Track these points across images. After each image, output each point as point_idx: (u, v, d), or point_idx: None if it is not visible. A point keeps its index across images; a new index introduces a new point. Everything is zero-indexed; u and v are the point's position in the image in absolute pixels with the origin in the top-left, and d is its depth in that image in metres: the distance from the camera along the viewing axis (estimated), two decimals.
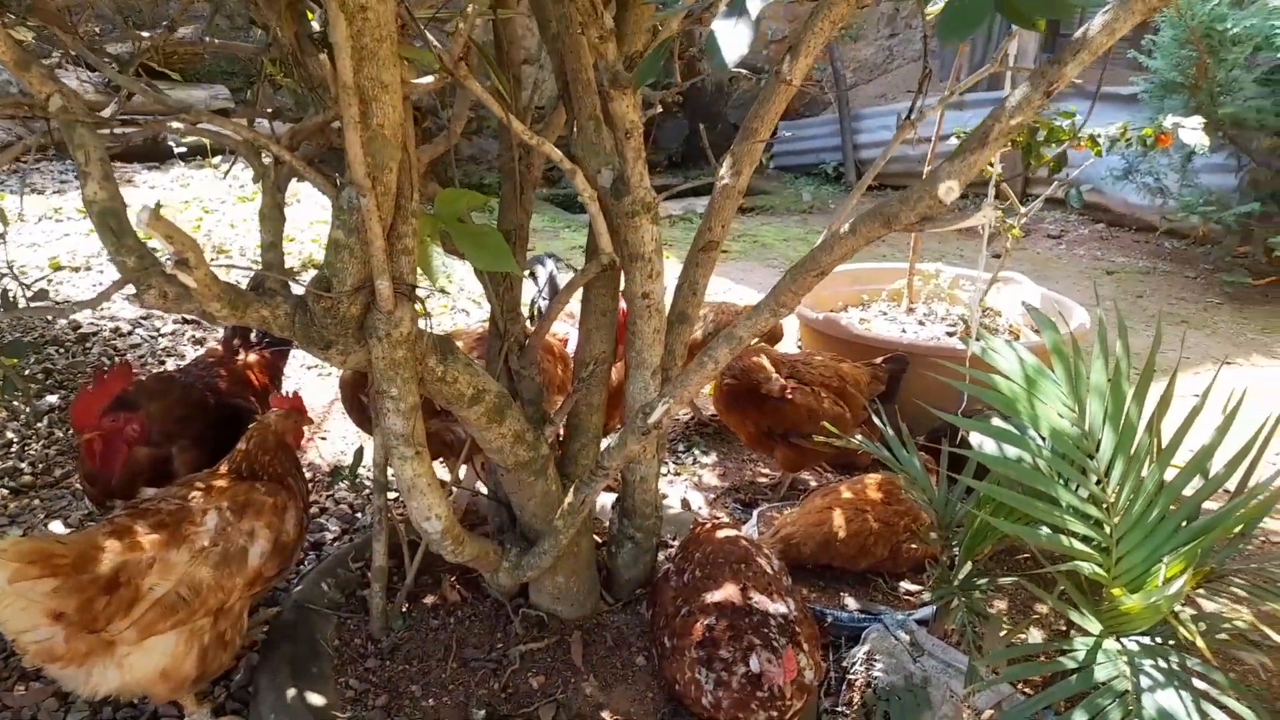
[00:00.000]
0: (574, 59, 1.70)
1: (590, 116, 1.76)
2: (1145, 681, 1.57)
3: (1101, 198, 7.19)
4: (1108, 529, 1.77)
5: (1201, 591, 1.83)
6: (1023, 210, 3.90)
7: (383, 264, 1.46)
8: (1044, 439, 1.76)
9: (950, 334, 4.02)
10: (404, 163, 1.53)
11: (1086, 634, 1.67)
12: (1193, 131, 3.24)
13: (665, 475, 3.32)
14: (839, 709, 2.14)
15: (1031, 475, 1.71)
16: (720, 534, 2.06)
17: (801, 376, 3.02)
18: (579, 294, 1.96)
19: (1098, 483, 1.76)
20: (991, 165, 3.77)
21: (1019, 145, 3.58)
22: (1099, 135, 3.44)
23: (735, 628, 1.79)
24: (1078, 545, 1.69)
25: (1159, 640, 1.73)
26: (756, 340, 2.67)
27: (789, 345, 4.25)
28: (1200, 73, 5.44)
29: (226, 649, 1.79)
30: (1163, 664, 1.60)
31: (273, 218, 1.61)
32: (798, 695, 1.77)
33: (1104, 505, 1.76)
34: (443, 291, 4.72)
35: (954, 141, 3.59)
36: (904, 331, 4.08)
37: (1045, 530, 1.67)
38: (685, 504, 3.13)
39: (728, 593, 1.86)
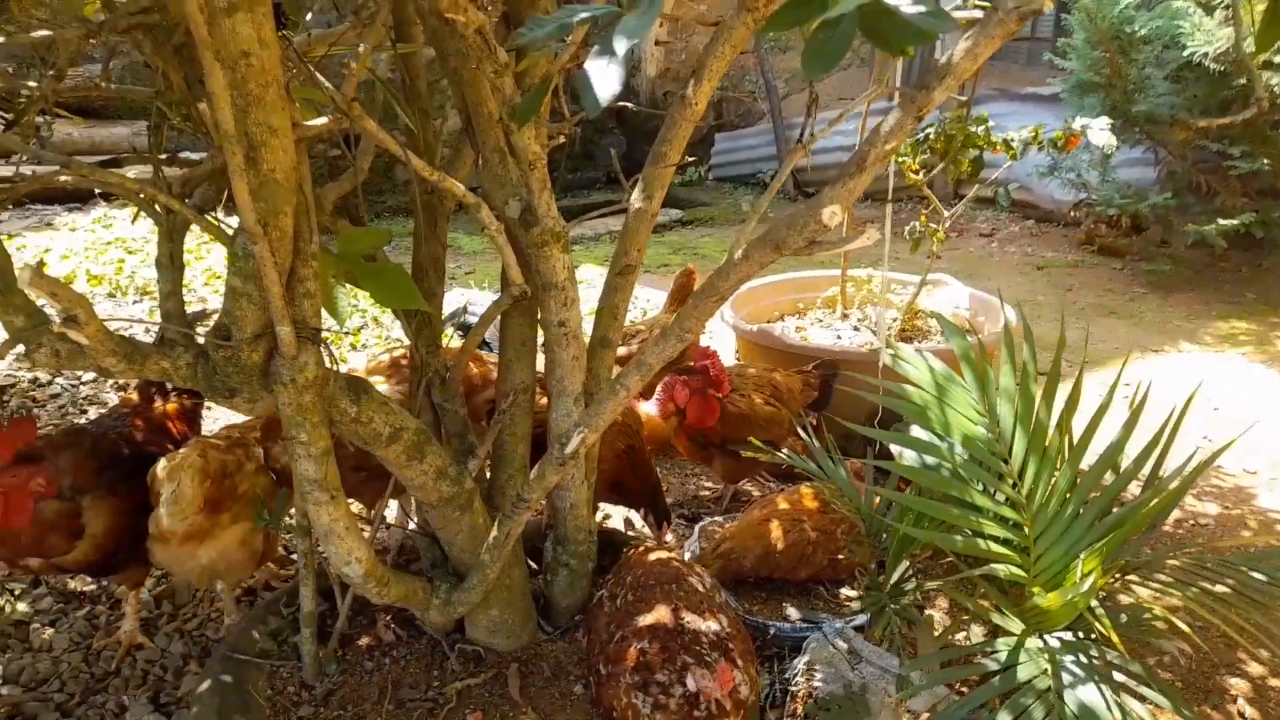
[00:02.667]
0: (473, 93, 1.70)
1: (494, 149, 1.76)
2: (1066, 678, 1.60)
3: (1030, 195, 7.37)
4: (1026, 529, 1.81)
5: (1135, 580, 1.87)
6: (945, 214, 3.99)
7: (281, 310, 1.44)
8: (957, 445, 1.79)
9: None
10: (300, 205, 1.51)
11: (1009, 634, 1.70)
12: (1100, 132, 3.34)
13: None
14: None
15: (945, 482, 1.74)
16: (652, 556, 2.06)
17: (735, 388, 3.04)
18: None
19: (1013, 485, 1.80)
20: (917, 174, 3.85)
21: (938, 152, 3.65)
22: (1012, 139, 3.52)
23: (668, 649, 1.79)
24: (995, 547, 1.72)
25: (1080, 636, 1.77)
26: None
27: (728, 359, 4.27)
28: (1114, 72, 5.61)
29: (270, 547, 2.32)
30: (1083, 659, 1.64)
31: (169, 266, 1.58)
32: (735, 710, 1.78)
33: (1019, 507, 1.80)
34: (376, 321, 4.68)
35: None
36: (839, 338, 4.13)
37: (960, 536, 1.70)
38: (628, 524, 3.13)
39: (659, 615, 1.86)
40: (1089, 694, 1.56)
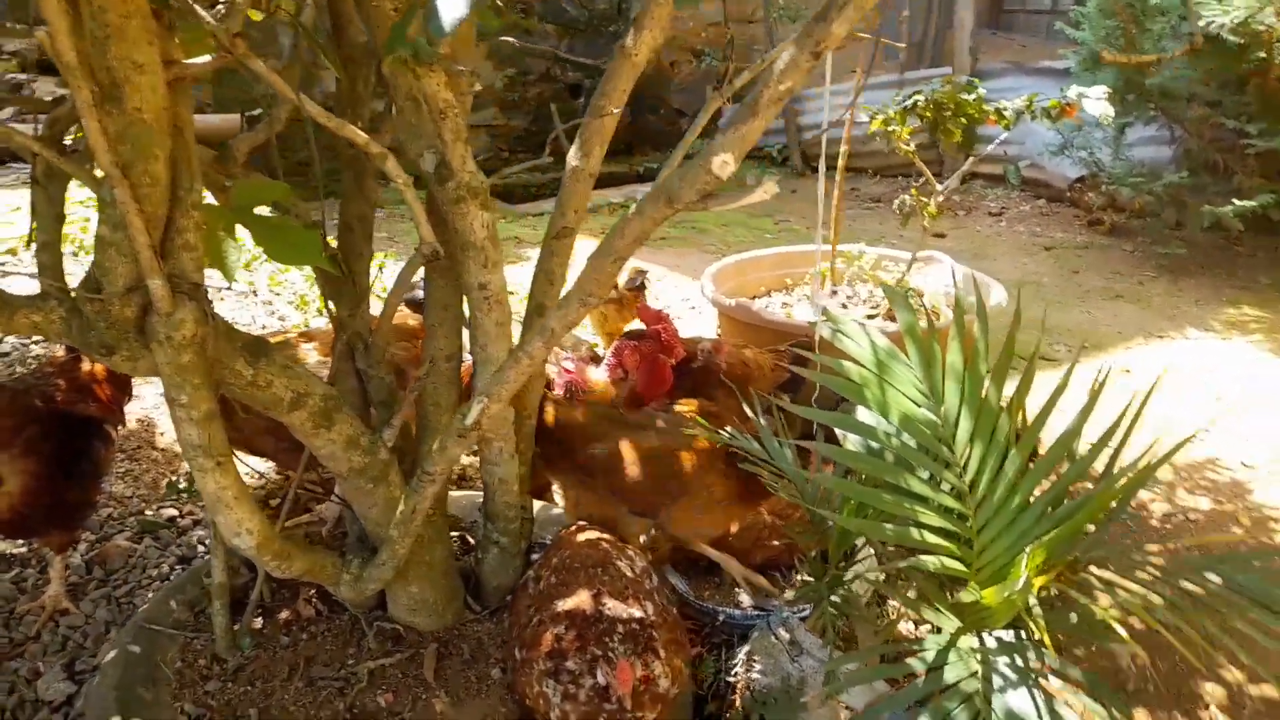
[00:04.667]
0: (382, 33, 1.58)
1: (407, 96, 1.64)
2: (997, 681, 1.48)
3: (1041, 174, 7.15)
4: (970, 520, 1.69)
5: (1097, 579, 1.75)
6: (940, 188, 3.83)
7: (151, 261, 1.34)
8: (896, 427, 1.67)
9: (871, 317, 3.94)
10: (182, 151, 1.40)
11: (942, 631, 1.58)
12: (1096, 102, 3.17)
13: None
14: (725, 715, 2.06)
15: (884, 468, 1.62)
16: (581, 536, 1.96)
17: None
18: None
19: (958, 473, 1.68)
20: (908, 144, 3.69)
21: (927, 121, 3.50)
22: (1005, 108, 3.36)
23: (583, 637, 1.69)
24: (931, 538, 1.60)
25: (1023, 636, 1.66)
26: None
27: (710, 334, 4.15)
28: (1127, 43, 5.38)
29: None
30: (1018, 661, 1.52)
31: (46, 215, 1.48)
32: (648, 706, 1.68)
33: (963, 496, 1.68)
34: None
35: None
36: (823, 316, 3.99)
37: (892, 526, 1.58)
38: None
39: (579, 600, 1.75)
40: (1019, 699, 1.44)
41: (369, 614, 1.99)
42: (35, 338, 3.28)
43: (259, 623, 2.02)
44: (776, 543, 2.42)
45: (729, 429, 2.00)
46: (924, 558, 1.54)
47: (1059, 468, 1.76)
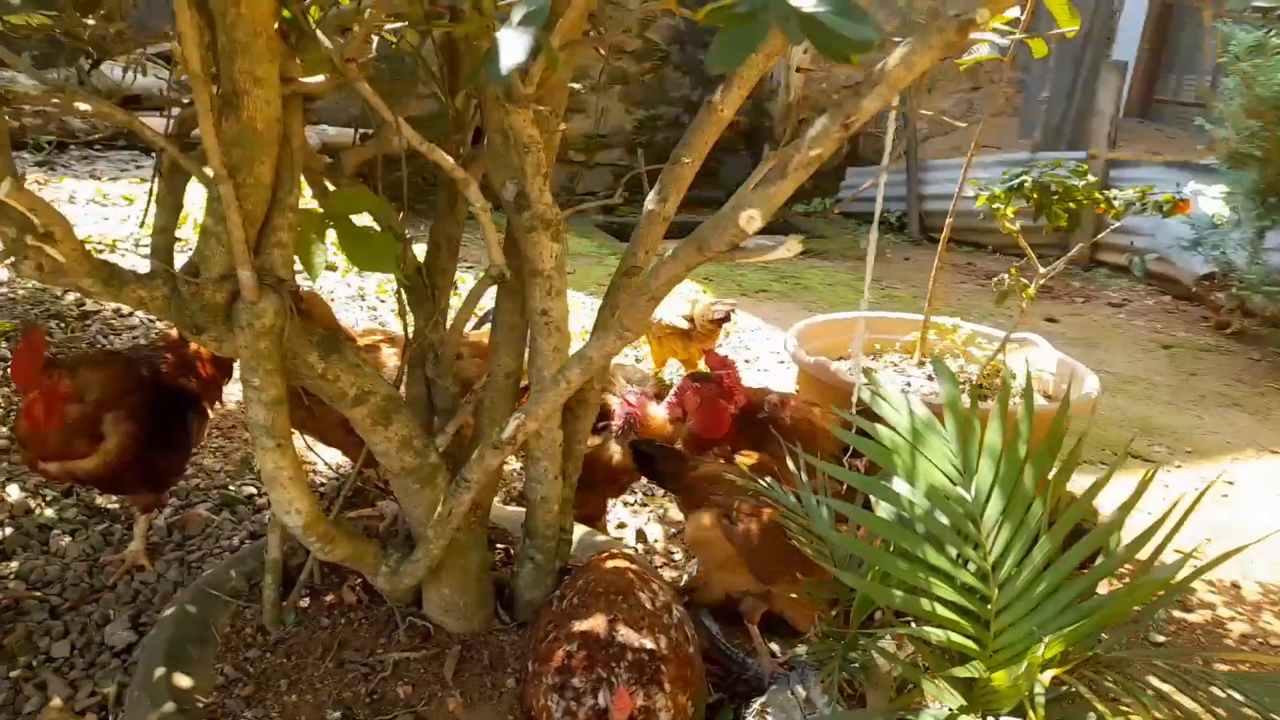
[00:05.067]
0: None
1: (498, 129, 1.78)
2: None
3: (1170, 269, 6.87)
4: (990, 602, 1.68)
5: (1111, 679, 1.70)
6: (1042, 270, 3.76)
7: (243, 253, 1.49)
8: (921, 498, 1.67)
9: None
10: (286, 158, 1.56)
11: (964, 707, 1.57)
12: (1213, 200, 3.08)
13: (631, 505, 3.28)
14: None
15: (906, 537, 1.63)
16: (609, 564, 2.02)
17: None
18: None
19: (977, 549, 1.66)
20: (1013, 223, 3.65)
21: (1034, 203, 3.46)
22: (1114, 197, 3.29)
23: (593, 658, 1.74)
24: (943, 612, 1.59)
25: None
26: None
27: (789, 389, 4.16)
28: (1273, 145, 5.16)
29: None
30: None
31: (166, 203, 1.67)
32: None
33: (986, 576, 1.66)
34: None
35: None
36: (908, 385, 3.96)
37: (902, 594, 1.58)
38: (640, 535, 3.09)
39: (595, 623, 1.81)
40: None
41: (405, 609, 2.10)
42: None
43: (305, 602, 2.15)
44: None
45: (769, 480, 2.03)
46: (929, 629, 1.54)
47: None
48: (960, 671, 1.48)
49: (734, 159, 8.88)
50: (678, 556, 2.99)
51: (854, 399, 2.12)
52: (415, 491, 1.90)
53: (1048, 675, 1.55)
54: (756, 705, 2.11)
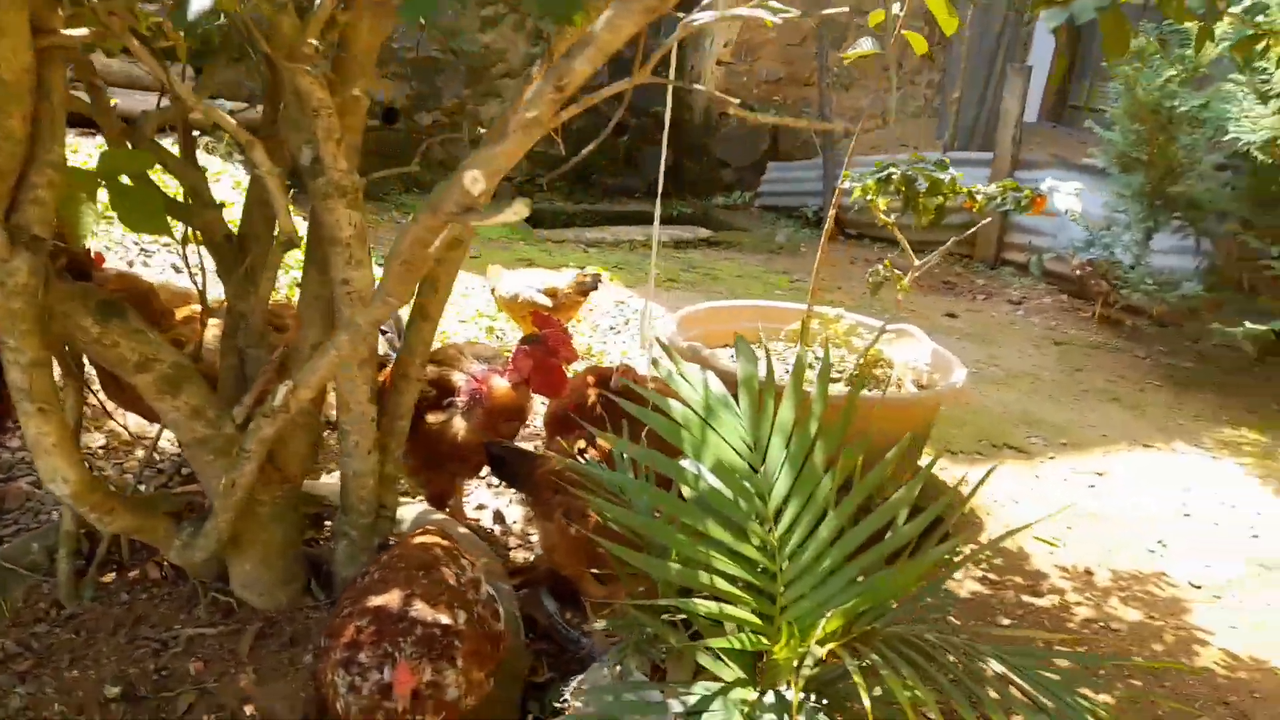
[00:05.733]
0: (275, 35, 1.67)
1: (292, 91, 1.73)
2: None
3: (1066, 268, 7.06)
4: (777, 577, 1.69)
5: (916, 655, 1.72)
6: (917, 262, 3.82)
7: None
8: (708, 474, 1.67)
9: (833, 381, 3.92)
10: (44, 113, 1.50)
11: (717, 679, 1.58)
12: (1067, 196, 3.16)
13: (495, 488, 3.25)
14: None
15: (675, 506, 1.63)
16: (419, 539, 1.99)
17: None
18: None
19: (764, 524, 1.67)
20: (886, 214, 3.70)
21: (900, 194, 3.50)
22: (977, 191, 3.35)
23: (381, 633, 1.71)
24: (723, 585, 1.60)
25: (815, 699, 1.64)
26: None
27: None
28: (1154, 150, 5.32)
29: None
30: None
31: None
32: (430, 711, 1.69)
33: (771, 552, 1.68)
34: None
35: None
36: (787, 372, 3.99)
37: (680, 567, 1.58)
38: (499, 516, 3.06)
39: (389, 597, 1.78)
40: None
41: (211, 584, 2.04)
42: None
43: (112, 577, 2.08)
44: None
45: (585, 452, 2.03)
46: (699, 602, 1.54)
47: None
48: (729, 643, 1.48)
49: (655, 150, 8.88)
50: (535, 538, 2.97)
51: (648, 375, 2.13)
52: (209, 463, 1.85)
53: (823, 650, 1.56)
54: (574, 683, 2.11)
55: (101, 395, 2.84)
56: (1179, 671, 2.89)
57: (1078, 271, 6.16)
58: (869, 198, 3.57)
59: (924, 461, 3.51)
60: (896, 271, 3.76)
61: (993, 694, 1.50)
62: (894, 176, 3.41)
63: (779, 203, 9.32)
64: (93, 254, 2.30)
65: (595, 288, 3.70)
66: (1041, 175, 7.29)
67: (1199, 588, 3.45)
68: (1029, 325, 6.66)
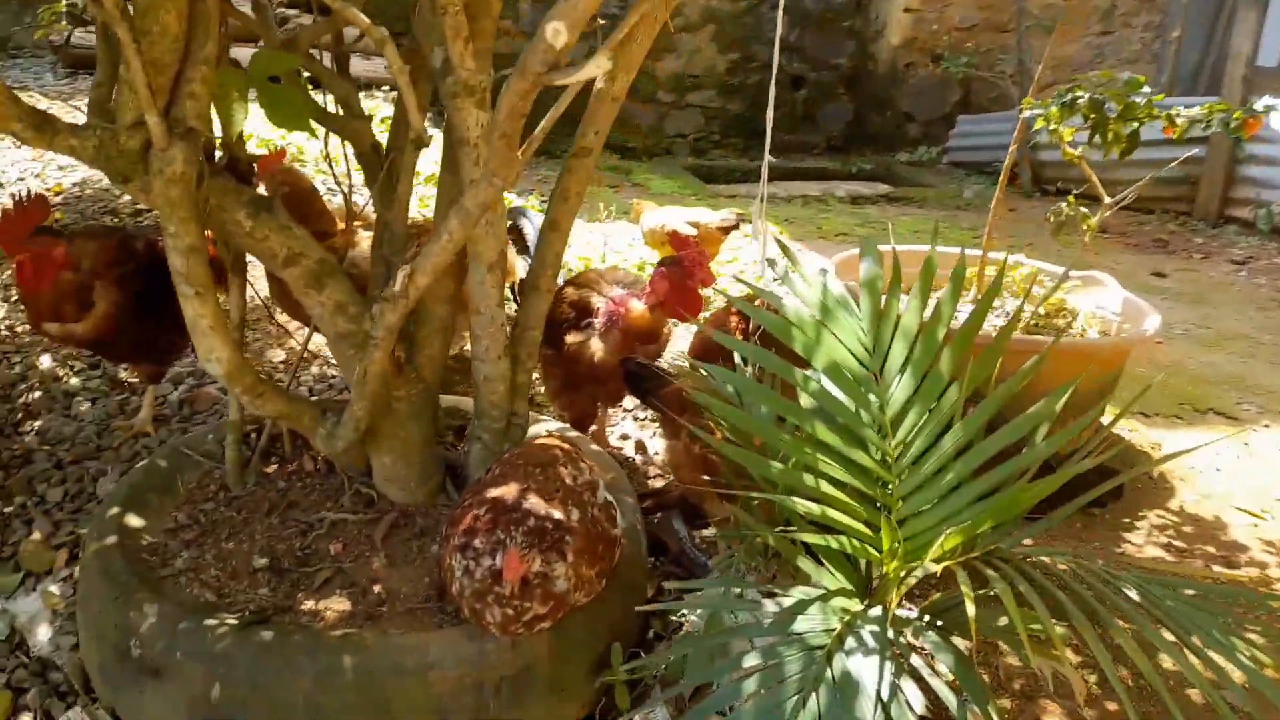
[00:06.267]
0: None
1: None
2: (850, 643, 1.40)
3: None
4: (891, 487, 1.59)
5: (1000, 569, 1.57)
6: (1109, 200, 3.48)
7: (148, 99, 1.55)
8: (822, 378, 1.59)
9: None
10: (197, 11, 1.61)
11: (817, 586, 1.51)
12: None
13: (640, 421, 3.27)
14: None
15: (784, 408, 1.55)
16: (540, 442, 2.02)
17: None
18: None
19: (881, 432, 1.58)
20: (1073, 146, 3.39)
21: (1089, 121, 3.19)
22: (1178, 114, 3.00)
23: (495, 522, 1.75)
24: (829, 489, 1.52)
25: (924, 618, 1.55)
26: None
27: None
28: None
29: None
30: (889, 634, 1.42)
31: (104, 59, 1.75)
32: (539, 600, 1.72)
33: (887, 461, 1.58)
34: None
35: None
36: (955, 319, 3.75)
37: (781, 466, 1.51)
38: (640, 446, 3.08)
39: (506, 490, 1.82)
40: (864, 665, 1.35)
41: (357, 478, 2.17)
42: None
43: (274, 468, 2.25)
44: None
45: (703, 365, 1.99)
46: (798, 501, 1.47)
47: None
48: (827, 543, 1.41)
49: (835, 105, 8.59)
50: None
51: (760, 277, 2.04)
52: (350, 357, 1.95)
53: (938, 567, 1.47)
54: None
55: (282, 318, 3.10)
56: None
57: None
58: (1052, 126, 3.27)
59: (1106, 419, 3.23)
60: (1083, 210, 3.44)
61: (1126, 627, 1.35)
62: (1080, 101, 3.11)
63: (969, 158, 8.79)
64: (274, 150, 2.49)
65: (736, 226, 3.68)
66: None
67: (1263, 515, 3.03)
68: (1252, 286, 5.96)
